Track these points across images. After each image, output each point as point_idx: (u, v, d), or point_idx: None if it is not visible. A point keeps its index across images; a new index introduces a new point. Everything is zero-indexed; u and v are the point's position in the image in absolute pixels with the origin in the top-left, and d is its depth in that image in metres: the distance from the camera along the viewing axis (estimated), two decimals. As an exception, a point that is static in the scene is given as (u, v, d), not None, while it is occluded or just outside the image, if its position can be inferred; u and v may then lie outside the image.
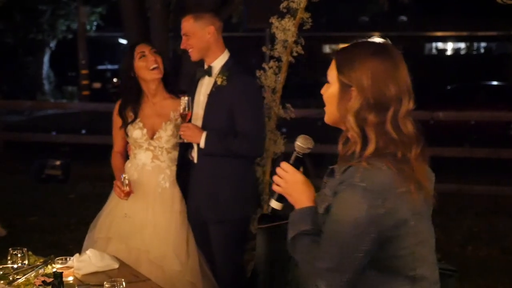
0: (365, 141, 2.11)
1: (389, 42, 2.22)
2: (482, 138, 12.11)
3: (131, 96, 4.13)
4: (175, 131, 4.05)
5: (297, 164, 2.31)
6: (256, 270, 3.20)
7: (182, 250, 4.00)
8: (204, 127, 3.92)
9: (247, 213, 4.08)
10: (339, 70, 2.18)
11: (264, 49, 4.73)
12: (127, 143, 4.21)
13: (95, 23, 25.86)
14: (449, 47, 29.92)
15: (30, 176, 9.74)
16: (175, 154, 4.12)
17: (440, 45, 30.13)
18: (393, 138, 2.10)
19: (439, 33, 28.78)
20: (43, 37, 25.61)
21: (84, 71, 20.62)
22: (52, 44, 26.67)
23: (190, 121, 3.95)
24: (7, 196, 6.99)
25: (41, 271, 3.00)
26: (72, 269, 3.08)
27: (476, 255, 6.33)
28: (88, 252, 3.24)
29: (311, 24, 4.41)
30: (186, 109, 3.89)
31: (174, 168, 4.11)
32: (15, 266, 3.02)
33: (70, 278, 3.00)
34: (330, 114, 2.25)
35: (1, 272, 2.97)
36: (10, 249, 3.09)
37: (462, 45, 29.62)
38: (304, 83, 21.45)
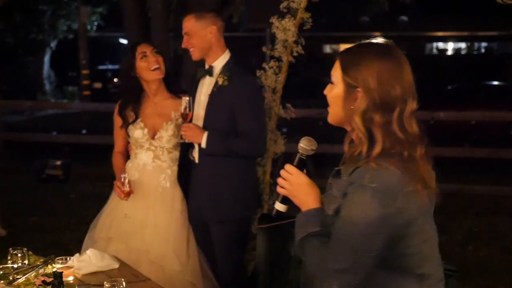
0: (371, 141, 2.13)
1: (393, 43, 2.23)
2: (482, 138, 12.11)
3: (132, 96, 4.13)
4: (176, 131, 4.05)
5: (301, 165, 2.31)
6: (256, 270, 3.21)
7: (182, 250, 4.00)
8: (205, 127, 3.92)
9: (248, 213, 4.08)
10: (344, 71, 2.18)
11: (264, 49, 4.73)
12: (128, 143, 4.21)
13: (95, 23, 25.85)
14: (450, 47, 29.93)
15: (30, 176, 9.74)
16: (176, 154, 4.12)
17: (440, 45, 30.14)
18: (399, 138, 2.12)
19: (439, 33, 28.78)
20: (43, 37, 25.61)
21: (84, 71, 20.63)
22: (53, 44, 26.67)
23: (191, 121, 3.95)
24: (8, 196, 6.99)
25: (41, 271, 3.00)
26: (72, 269, 3.08)
27: (477, 255, 6.33)
28: (88, 252, 3.24)
29: (312, 24, 4.41)
30: (187, 109, 3.89)
31: (175, 168, 4.11)
32: (15, 266, 3.02)
33: (70, 278, 3.00)
34: (335, 114, 2.26)
35: (1, 272, 2.97)
36: (10, 249, 3.09)
37: (462, 45, 29.63)
38: (304, 83, 21.45)
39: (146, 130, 4.07)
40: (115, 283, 2.59)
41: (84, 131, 15.44)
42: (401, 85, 2.13)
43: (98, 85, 25.09)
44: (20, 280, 2.90)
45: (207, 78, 4.00)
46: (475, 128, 12.68)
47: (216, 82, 3.92)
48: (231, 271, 4.06)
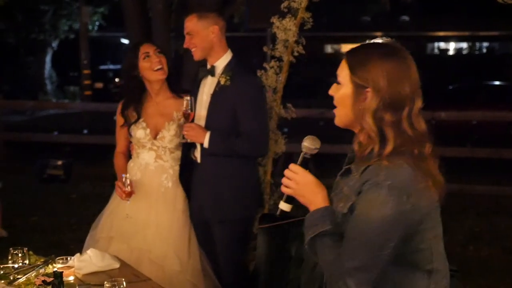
0: (383, 140, 2.14)
1: (398, 42, 2.25)
2: (483, 138, 12.10)
3: (134, 95, 4.14)
4: (178, 131, 4.06)
5: (305, 165, 2.30)
6: (256, 270, 3.21)
7: (183, 250, 4.00)
8: (207, 127, 3.92)
9: (250, 213, 4.08)
10: (353, 72, 2.19)
11: (265, 49, 4.73)
12: (130, 143, 4.22)
13: (97, 23, 25.84)
14: (451, 47, 29.92)
15: (31, 176, 9.75)
16: (178, 153, 4.12)
17: (441, 45, 30.13)
18: (409, 135, 2.14)
19: (440, 33, 28.77)
20: (45, 37, 25.63)
21: (86, 71, 20.63)
22: (54, 44, 26.68)
23: (193, 121, 3.95)
24: (9, 196, 6.99)
25: (41, 270, 3.00)
26: (72, 269, 3.08)
27: (478, 255, 6.33)
28: (89, 252, 3.24)
29: (312, 24, 4.41)
30: (189, 109, 3.89)
31: (177, 168, 4.11)
32: (16, 265, 3.03)
33: (71, 278, 3.00)
34: (343, 116, 2.26)
35: (2, 272, 2.98)
36: (10, 248, 3.09)
37: (464, 45, 29.62)
38: (305, 83, 21.45)
39: (148, 130, 4.07)
40: (116, 283, 2.59)
41: (85, 131, 15.46)
42: (410, 84, 2.16)
43: (99, 85, 25.11)
44: (21, 280, 2.90)
45: (209, 78, 4.00)
46: (476, 128, 12.67)
47: (218, 82, 3.92)
48: (232, 271, 4.06)
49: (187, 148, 4.10)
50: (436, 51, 30.02)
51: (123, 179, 3.91)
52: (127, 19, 9.60)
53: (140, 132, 4.08)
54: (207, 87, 4.01)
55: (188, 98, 3.90)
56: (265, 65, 4.59)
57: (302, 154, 2.31)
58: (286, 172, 2.30)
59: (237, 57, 4.02)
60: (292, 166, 2.30)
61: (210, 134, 3.88)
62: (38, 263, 3.09)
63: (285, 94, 4.74)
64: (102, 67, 27.96)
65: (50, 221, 7.39)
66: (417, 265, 2.18)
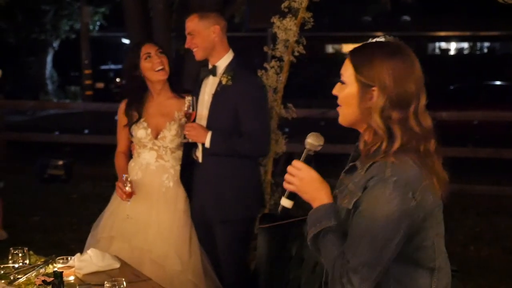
0: (390, 137, 2.15)
1: (401, 41, 2.26)
2: (484, 138, 12.10)
3: (136, 95, 4.14)
4: (179, 131, 4.06)
5: (308, 161, 2.29)
6: (257, 269, 3.21)
7: (184, 250, 4.00)
8: (208, 127, 3.92)
9: (251, 213, 4.07)
10: (358, 71, 2.19)
11: (265, 48, 4.73)
12: (131, 142, 4.22)
13: (98, 23, 25.86)
14: (452, 47, 29.92)
15: (32, 176, 9.75)
16: (179, 153, 4.12)
17: (442, 45, 30.12)
18: (416, 132, 2.15)
19: (441, 33, 28.76)
20: (46, 37, 25.64)
21: (87, 71, 20.63)
22: (55, 44, 26.69)
23: (194, 120, 3.95)
24: (9, 196, 6.99)
25: (42, 270, 3.00)
26: (73, 269, 3.08)
27: (478, 255, 6.33)
28: (89, 251, 3.24)
29: (313, 24, 4.41)
30: (191, 108, 3.89)
31: (178, 167, 4.12)
32: (16, 265, 3.03)
33: (71, 278, 3.01)
34: (349, 115, 2.26)
35: (2, 272, 2.98)
36: (11, 248, 3.09)
37: (465, 45, 29.61)
38: (306, 83, 21.44)
39: (149, 130, 4.08)
40: (116, 282, 2.59)
41: (86, 131, 15.45)
42: (415, 81, 2.16)
43: (100, 85, 25.11)
44: (21, 280, 2.90)
45: (211, 78, 4.00)
46: (477, 128, 12.67)
47: (220, 82, 3.92)
48: (234, 270, 4.06)
49: (188, 148, 4.10)
50: (437, 51, 30.02)
51: (124, 180, 3.92)
52: (128, 19, 9.60)
53: (141, 132, 4.08)
54: (209, 87, 4.01)
55: (190, 98, 3.90)
56: (265, 65, 4.59)
57: (305, 151, 2.30)
58: (289, 168, 2.29)
59: (238, 57, 4.02)
60: (295, 162, 2.29)
61: (212, 134, 3.88)
62: (39, 263, 3.10)
63: (285, 94, 4.74)
64: (103, 67, 27.97)
65: (50, 221, 7.40)
66: (420, 263, 2.18)
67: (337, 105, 2.30)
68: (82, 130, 15.33)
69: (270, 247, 3.06)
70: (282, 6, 4.43)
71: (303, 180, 2.27)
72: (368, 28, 25.22)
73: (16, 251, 3.06)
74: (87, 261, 3.17)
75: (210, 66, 4.01)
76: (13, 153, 11.08)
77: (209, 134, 3.88)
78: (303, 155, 2.30)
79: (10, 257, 3.06)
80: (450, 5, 26.80)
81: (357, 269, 2.08)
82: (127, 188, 3.89)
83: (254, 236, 4.10)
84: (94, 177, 9.43)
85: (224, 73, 3.93)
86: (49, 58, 27.10)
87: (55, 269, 2.94)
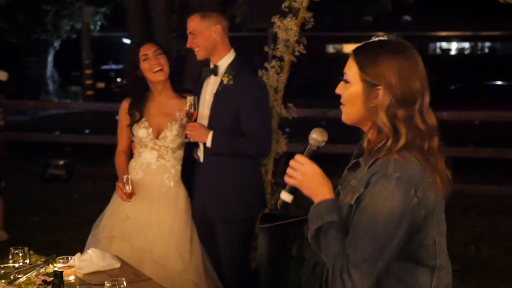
0: (395, 135, 2.15)
1: (403, 39, 2.26)
2: (485, 138, 12.09)
3: (137, 95, 4.14)
4: (180, 131, 4.06)
5: (312, 157, 2.29)
6: (257, 269, 3.20)
7: (185, 249, 4.00)
8: (210, 127, 3.92)
9: (252, 213, 4.07)
10: (363, 70, 2.19)
11: (266, 48, 4.73)
12: (131, 142, 4.22)
13: (99, 23, 25.89)
14: (453, 46, 29.90)
15: (33, 175, 9.77)
16: (180, 153, 4.12)
17: (443, 44, 30.10)
18: (421, 130, 2.15)
19: (442, 33, 28.74)
20: (47, 37, 25.67)
21: (88, 71, 20.64)
22: (56, 44, 26.71)
23: (196, 120, 3.95)
24: (10, 196, 6.99)
25: (42, 270, 3.00)
26: (73, 269, 3.08)
27: (479, 255, 6.33)
28: (89, 251, 3.24)
29: (314, 24, 4.41)
30: (192, 108, 3.89)
31: (179, 167, 4.12)
32: (17, 265, 3.03)
33: (72, 278, 3.01)
34: (353, 113, 2.25)
35: (3, 271, 2.98)
36: (11, 248, 3.09)
37: (465, 45, 29.59)
38: (307, 83, 21.43)
39: (150, 130, 4.08)
40: (116, 282, 2.59)
41: (87, 131, 15.45)
42: (419, 79, 2.17)
43: (101, 85, 25.13)
44: (21, 280, 2.90)
45: (212, 77, 4.00)
46: (478, 128, 12.66)
47: (221, 82, 3.92)
48: (234, 270, 4.06)
49: (189, 147, 4.10)
50: (438, 51, 30.00)
51: (124, 180, 3.92)
52: (129, 19, 9.60)
53: (142, 131, 4.08)
54: (210, 86, 4.01)
55: (191, 97, 3.90)
56: (266, 64, 4.59)
57: (309, 146, 2.29)
58: (292, 162, 2.28)
59: (240, 57, 4.02)
60: (298, 156, 2.28)
61: (213, 134, 3.87)
62: (39, 262, 3.09)
63: (286, 94, 4.75)
64: (104, 67, 27.98)
65: (51, 221, 7.40)
66: (421, 261, 2.18)
67: (339, 104, 2.30)
68: (83, 130, 15.33)
69: (270, 247, 3.05)
70: (283, 6, 4.43)
71: (305, 174, 2.25)
72: (369, 28, 25.18)
73: (17, 251, 3.06)
74: (87, 261, 3.17)
75: (211, 66, 4.01)
76: (14, 153, 11.08)
77: (211, 134, 3.87)
78: (307, 150, 2.29)
79: (10, 257, 3.06)
80: (451, 5, 26.80)
81: (358, 265, 2.07)
82: (127, 188, 3.89)
83: (255, 236, 4.10)
84: (95, 177, 9.43)
85: (225, 72, 3.92)
86: (50, 58, 27.12)
87: (55, 268, 2.94)
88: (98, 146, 10.28)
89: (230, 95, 3.88)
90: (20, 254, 3.06)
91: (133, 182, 3.95)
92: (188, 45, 4.01)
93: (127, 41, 26.37)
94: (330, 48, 29.35)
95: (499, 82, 17.52)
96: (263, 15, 5.94)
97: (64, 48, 26.86)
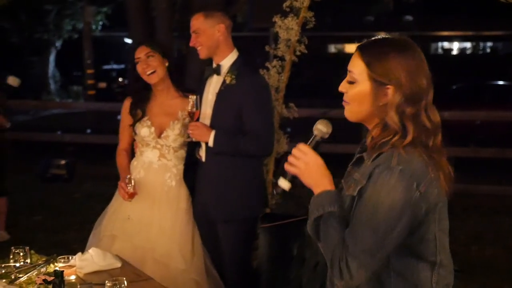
0: (403, 132, 2.14)
1: (405, 36, 2.25)
2: (487, 138, 12.08)
3: (139, 94, 4.16)
4: (182, 130, 4.06)
5: (315, 148, 2.28)
6: (259, 269, 3.21)
7: (187, 249, 4.00)
8: (212, 126, 3.92)
9: (254, 213, 4.06)
10: (371, 69, 2.17)
11: (267, 48, 4.73)
12: (133, 140, 4.22)
13: (100, 23, 25.91)
14: (455, 46, 29.89)
15: (35, 175, 9.76)
16: (182, 153, 4.12)
17: (445, 44, 30.10)
18: (427, 127, 2.15)
19: (444, 33, 28.74)
20: (48, 37, 25.70)
21: (89, 71, 20.63)
22: (58, 44, 26.74)
23: (198, 120, 3.95)
24: (12, 195, 6.99)
25: (43, 269, 3.00)
26: (74, 268, 3.08)
27: (481, 254, 6.32)
28: (90, 251, 3.24)
29: (315, 24, 4.41)
30: (194, 107, 3.89)
31: (180, 167, 4.12)
32: (17, 264, 3.03)
33: (73, 277, 3.01)
34: (360, 112, 2.24)
35: (4, 271, 2.98)
36: (12, 247, 3.09)
37: (467, 44, 29.59)
38: (308, 83, 21.42)
39: (152, 129, 4.08)
40: (117, 282, 2.59)
41: (88, 131, 15.47)
42: (425, 77, 2.17)
43: (102, 84, 25.13)
44: (22, 279, 2.90)
45: (215, 77, 4.00)
46: (480, 128, 12.64)
47: (224, 81, 3.92)
48: (236, 270, 4.05)
49: (192, 147, 4.10)
50: (439, 51, 30.00)
51: (127, 180, 3.92)
52: (131, 19, 9.62)
53: (144, 130, 4.08)
54: (213, 86, 4.00)
55: (194, 97, 3.90)
56: (267, 64, 4.59)
57: (313, 137, 2.28)
58: (295, 151, 2.25)
59: (242, 56, 4.02)
60: (302, 146, 2.26)
61: (215, 133, 3.87)
62: (40, 262, 3.10)
63: (287, 93, 4.74)
64: (106, 66, 28.02)
65: (53, 220, 7.40)
66: (422, 256, 2.17)
67: (340, 104, 2.28)
68: (84, 130, 15.35)
69: (271, 246, 3.06)
70: (284, 5, 4.43)
71: (308, 164, 2.23)
72: (370, 27, 25.19)
73: (18, 250, 3.07)
74: (88, 261, 3.17)
75: (214, 65, 4.00)
76: (15, 152, 11.08)
77: (213, 133, 3.87)
78: (311, 140, 2.28)
79: (11, 256, 3.06)
80: (453, 5, 26.79)
81: (356, 255, 2.07)
82: (129, 188, 3.89)
83: (256, 235, 4.10)
84: (97, 177, 9.43)
85: (228, 72, 3.92)
86: (51, 58, 27.15)
87: (56, 268, 2.94)
88: (99, 146, 10.28)
89: (232, 95, 3.88)
90: (21, 254, 3.06)
91: (135, 181, 3.95)
92: (191, 44, 4.00)
93: (128, 41, 26.38)
94: (332, 48, 29.36)
95: (500, 82, 17.49)
96: (265, 14, 5.94)
97: (65, 48, 26.89)
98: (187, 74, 8.08)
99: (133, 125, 4.13)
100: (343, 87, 2.26)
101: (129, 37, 18.83)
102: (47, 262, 3.08)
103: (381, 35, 2.27)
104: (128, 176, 3.95)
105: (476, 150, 9.64)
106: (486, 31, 27.43)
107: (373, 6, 28.25)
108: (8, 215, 6.72)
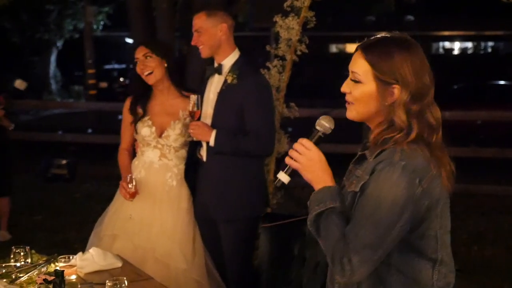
0: (408, 129, 2.15)
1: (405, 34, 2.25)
2: (488, 138, 12.08)
3: (140, 93, 4.16)
4: (183, 130, 4.06)
5: (317, 143, 2.26)
6: (259, 268, 3.21)
7: (188, 248, 4.01)
8: (213, 126, 3.92)
9: (255, 212, 4.06)
10: (376, 69, 2.16)
11: (268, 48, 4.73)
12: (134, 140, 4.22)
13: (102, 23, 25.92)
14: (456, 46, 29.88)
15: (36, 175, 9.76)
16: (183, 152, 4.12)
17: (446, 44, 30.09)
18: (430, 124, 2.16)
19: (445, 33, 28.73)
20: (50, 37, 25.70)
21: (90, 71, 20.64)
22: (59, 44, 26.75)
23: (199, 119, 3.95)
24: (13, 195, 7.00)
25: (43, 269, 3.01)
26: (75, 268, 3.08)
27: (482, 254, 6.32)
28: (91, 250, 3.24)
29: (316, 23, 4.41)
30: (195, 107, 3.89)
31: (181, 166, 4.12)
32: (18, 264, 3.03)
33: (73, 277, 3.01)
34: (364, 112, 2.23)
35: (4, 271, 2.98)
36: (13, 247, 3.10)
37: (468, 44, 29.58)
38: (309, 83, 21.42)
39: (153, 128, 4.08)
40: (117, 281, 2.59)
41: (89, 131, 15.46)
42: (428, 74, 2.18)
43: (104, 84, 25.13)
44: (23, 279, 2.90)
45: (216, 76, 4.00)
46: (481, 127, 12.64)
47: (225, 81, 3.92)
48: (237, 269, 4.05)
49: (193, 147, 4.10)
50: (441, 50, 29.99)
51: (128, 179, 3.92)
52: (132, 18, 9.62)
53: (145, 130, 4.08)
54: (214, 85, 4.00)
55: (195, 96, 3.90)
56: (268, 64, 4.59)
57: (316, 132, 2.27)
58: (296, 145, 2.24)
59: (244, 56, 4.01)
60: (304, 141, 2.24)
61: (216, 133, 3.87)
62: (40, 261, 3.10)
63: (288, 93, 4.74)
64: (107, 66, 28.02)
65: (54, 220, 7.41)
66: (422, 253, 2.17)
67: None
68: (85, 130, 15.34)
69: (272, 246, 3.06)
70: (285, 5, 4.43)
71: (311, 160, 2.22)
72: (372, 27, 25.19)
73: (18, 250, 3.07)
74: (89, 260, 3.17)
75: (215, 65, 4.00)
76: (16, 152, 11.09)
77: (214, 133, 3.87)
78: (313, 135, 2.27)
79: (12, 256, 3.07)
80: (454, 5, 26.78)
81: (358, 250, 2.06)
82: (130, 187, 3.89)
83: (257, 235, 4.10)
84: (98, 177, 9.44)
85: (229, 71, 3.92)
86: (53, 58, 27.16)
87: (57, 268, 2.94)
88: (100, 145, 10.29)
89: (234, 94, 3.88)
90: (22, 253, 3.06)
91: (136, 181, 3.96)
92: (193, 43, 3.99)
93: (129, 40, 26.40)
94: (333, 48, 29.35)
95: (502, 82, 17.50)
96: (265, 14, 5.95)
97: (67, 48, 26.90)
98: (188, 74, 8.09)
99: (134, 124, 4.14)
100: (346, 87, 2.24)
101: (130, 37, 18.85)
102: (48, 262, 3.08)
103: (382, 34, 2.26)
104: (130, 175, 3.96)
105: (476, 150, 9.63)
106: (487, 31, 27.43)
107: (374, 6, 28.21)
108: (9, 215, 6.72)
